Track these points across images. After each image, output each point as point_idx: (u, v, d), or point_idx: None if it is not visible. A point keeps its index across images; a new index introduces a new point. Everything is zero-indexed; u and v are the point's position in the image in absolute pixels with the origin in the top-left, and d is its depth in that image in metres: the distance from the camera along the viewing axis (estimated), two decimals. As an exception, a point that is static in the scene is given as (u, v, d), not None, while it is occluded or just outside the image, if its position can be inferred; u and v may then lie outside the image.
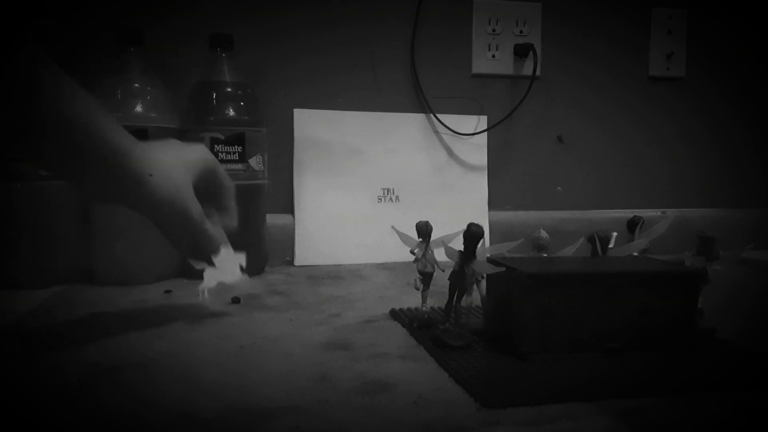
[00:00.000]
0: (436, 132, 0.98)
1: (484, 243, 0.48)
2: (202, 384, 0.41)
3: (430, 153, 0.97)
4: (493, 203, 1.00)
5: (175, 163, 0.52)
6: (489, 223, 0.97)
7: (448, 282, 0.49)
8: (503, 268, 0.47)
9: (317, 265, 0.88)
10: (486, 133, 0.99)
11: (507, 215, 1.00)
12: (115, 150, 0.47)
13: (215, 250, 0.57)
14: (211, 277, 0.59)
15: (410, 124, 0.97)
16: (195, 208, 0.53)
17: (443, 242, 0.51)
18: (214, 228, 0.57)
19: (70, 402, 0.38)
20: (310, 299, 0.67)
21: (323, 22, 0.94)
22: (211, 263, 0.58)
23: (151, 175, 0.49)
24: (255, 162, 0.79)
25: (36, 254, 0.71)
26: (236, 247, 0.60)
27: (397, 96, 0.97)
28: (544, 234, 0.55)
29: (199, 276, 0.76)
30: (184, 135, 0.77)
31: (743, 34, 1.09)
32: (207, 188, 0.56)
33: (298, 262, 0.89)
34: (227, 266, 0.59)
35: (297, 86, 0.93)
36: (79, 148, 0.46)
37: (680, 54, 1.06)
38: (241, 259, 0.61)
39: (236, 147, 0.77)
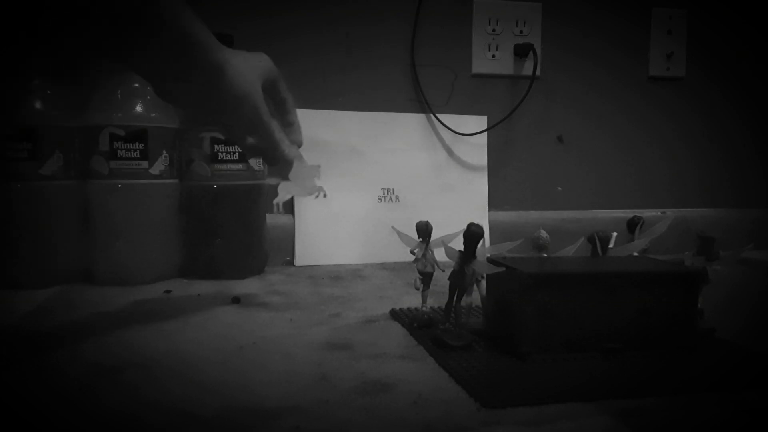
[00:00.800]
0: (436, 132, 0.98)
1: (484, 243, 0.48)
2: (203, 383, 0.41)
3: (430, 153, 0.97)
4: (493, 203, 1.00)
5: (246, 65, 0.54)
6: (489, 223, 0.97)
7: (448, 282, 0.49)
8: (503, 268, 0.47)
9: (317, 265, 0.88)
10: (486, 133, 0.99)
11: (507, 215, 1.00)
12: (202, 43, 0.49)
13: (282, 156, 0.58)
14: (285, 190, 0.59)
15: (410, 124, 0.97)
16: (264, 108, 0.55)
17: (443, 242, 0.51)
18: (283, 136, 0.58)
19: (70, 402, 0.38)
20: (310, 299, 0.67)
21: (323, 22, 0.94)
22: (275, 165, 0.59)
23: None
24: (255, 162, 0.79)
25: (36, 254, 0.71)
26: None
27: (397, 96, 0.97)
28: (544, 234, 0.55)
29: (199, 276, 0.77)
30: (184, 135, 0.77)
31: (743, 34, 1.09)
32: (271, 97, 0.58)
33: (298, 262, 0.89)
34: (301, 180, 0.60)
35: (297, 86, 0.93)
36: (166, 38, 0.46)
37: (680, 54, 1.06)
38: (316, 172, 0.61)
39: (236, 147, 0.77)
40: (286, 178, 0.59)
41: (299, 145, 0.61)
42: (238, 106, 0.53)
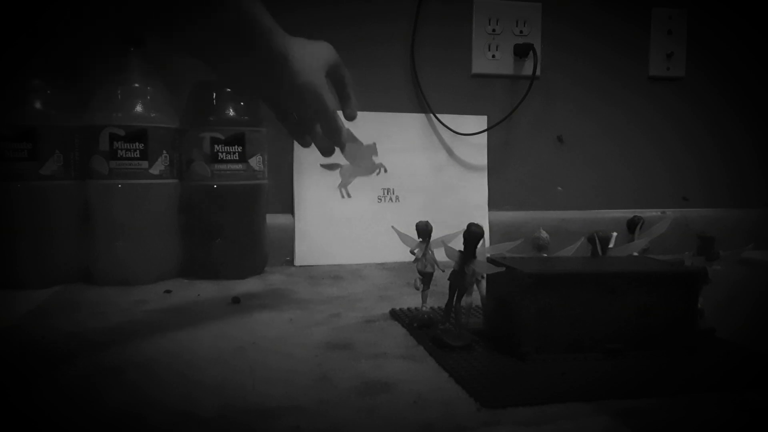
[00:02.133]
0: (436, 132, 0.98)
1: (484, 243, 0.48)
2: (203, 383, 0.41)
3: (430, 153, 0.97)
4: (493, 203, 1.00)
5: (309, 53, 0.55)
6: (489, 223, 0.97)
7: (448, 282, 0.49)
8: (503, 268, 0.47)
9: (317, 265, 0.88)
10: (486, 133, 0.99)
11: (507, 215, 1.00)
12: (264, 28, 0.49)
13: (344, 142, 0.60)
14: (347, 174, 0.60)
15: (410, 124, 0.97)
16: (328, 96, 0.56)
17: (443, 242, 0.51)
18: (343, 123, 0.59)
19: (71, 400, 0.38)
20: (310, 299, 0.67)
21: (323, 22, 0.94)
22: (331, 152, 0.60)
23: None
24: (255, 162, 0.79)
25: (36, 254, 0.71)
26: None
27: (397, 96, 0.97)
28: (544, 234, 0.55)
29: (200, 276, 0.77)
30: (184, 135, 0.78)
31: (743, 34, 1.09)
32: (333, 81, 0.60)
33: (298, 262, 0.89)
34: (360, 161, 0.60)
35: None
36: (229, 26, 0.46)
37: (680, 54, 1.06)
38: (374, 150, 0.62)
39: (236, 147, 0.77)
40: (329, 153, 0.60)
41: (353, 118, 0.62)
42: (301, 94, 0.54)
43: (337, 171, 0.60)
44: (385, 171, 0.62)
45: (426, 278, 0.55)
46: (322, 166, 0.63)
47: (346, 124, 0.61)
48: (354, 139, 0.61)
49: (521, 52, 0.99)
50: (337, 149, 0.62)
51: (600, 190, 1.06)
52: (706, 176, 1.10)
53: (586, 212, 1.04)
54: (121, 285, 0.71)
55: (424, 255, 0.54)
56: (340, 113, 0.61)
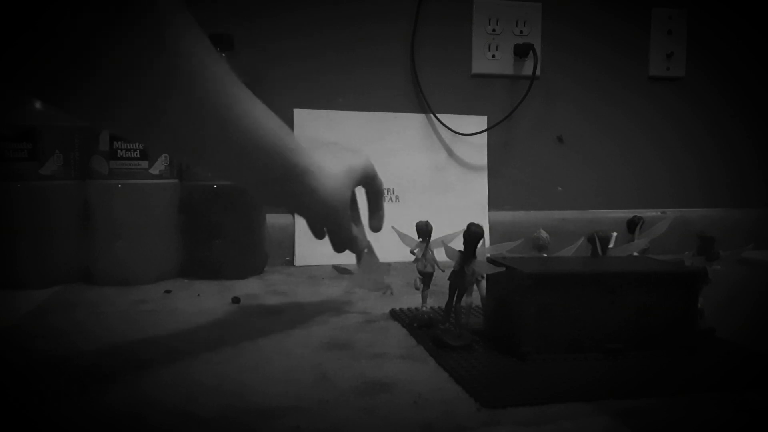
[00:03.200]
0: (436, 132, 0.98)
1: (484, 243, 0.48)
2: (203, 383, 0.41)
3: (430, 153, 0.97)
4: (493, 203, 1.00)
5: (340, 171, 0.54)
6: (489, 223, 0.97)
7: (448, 282, 0.49)
8: (503, 268, 0.47)
9: (317, 265, 0.88)
10: (486, 133, 0.99)
11: (507, 215, 1.00)
12: (299, 170, 0.49)
13: (360, 251, 0.60)
14: (355, 284, 0.61)
15: (410, 124, 0.97)
16: (347, 220, 0.56)
17: (443, 242, 0.51)
18: (359, 231, 0.59)
19: (72, 401, 0.38)
20: (310, 299, 0.67)
21: (323, 22, 0.94)
22: (342, 249, 0.60)
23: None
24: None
25: (36, 254, 0.71)
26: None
27: (397, 96, 0.97)
28: (544, 234, 0.55)
29: (199, 276, 0.77)
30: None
31: (743, 34, 1.09)
32: (366, 190, 0.60)
33: (298, 262, 0.89)
34: (370, 275, 0.61)
35: (297, 86, 0.93)
36: (264, 169, 0.47)
37: (680, 54, 1.06)
38: (387, 270, 0.62)
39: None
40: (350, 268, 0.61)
41: (378, 230, 0.62)
42: (325, 217, 0.54)
43: (347, 277, 0.61)
44: (392, 293, 0.63)
45: (426, 278, 0.55)
46: (335, 267, 0.64)
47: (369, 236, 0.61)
48: (372, 254, 0.61)
49: (521, 52, 0.99)
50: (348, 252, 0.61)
51: (600, 190, 1.06)
52: (706, 176, 1.10)
53: (586, 212, 1.04)
54: (121, 285, 0.71)
55: (424, 255, 0.54)
56: (365, 223, 0.61)
